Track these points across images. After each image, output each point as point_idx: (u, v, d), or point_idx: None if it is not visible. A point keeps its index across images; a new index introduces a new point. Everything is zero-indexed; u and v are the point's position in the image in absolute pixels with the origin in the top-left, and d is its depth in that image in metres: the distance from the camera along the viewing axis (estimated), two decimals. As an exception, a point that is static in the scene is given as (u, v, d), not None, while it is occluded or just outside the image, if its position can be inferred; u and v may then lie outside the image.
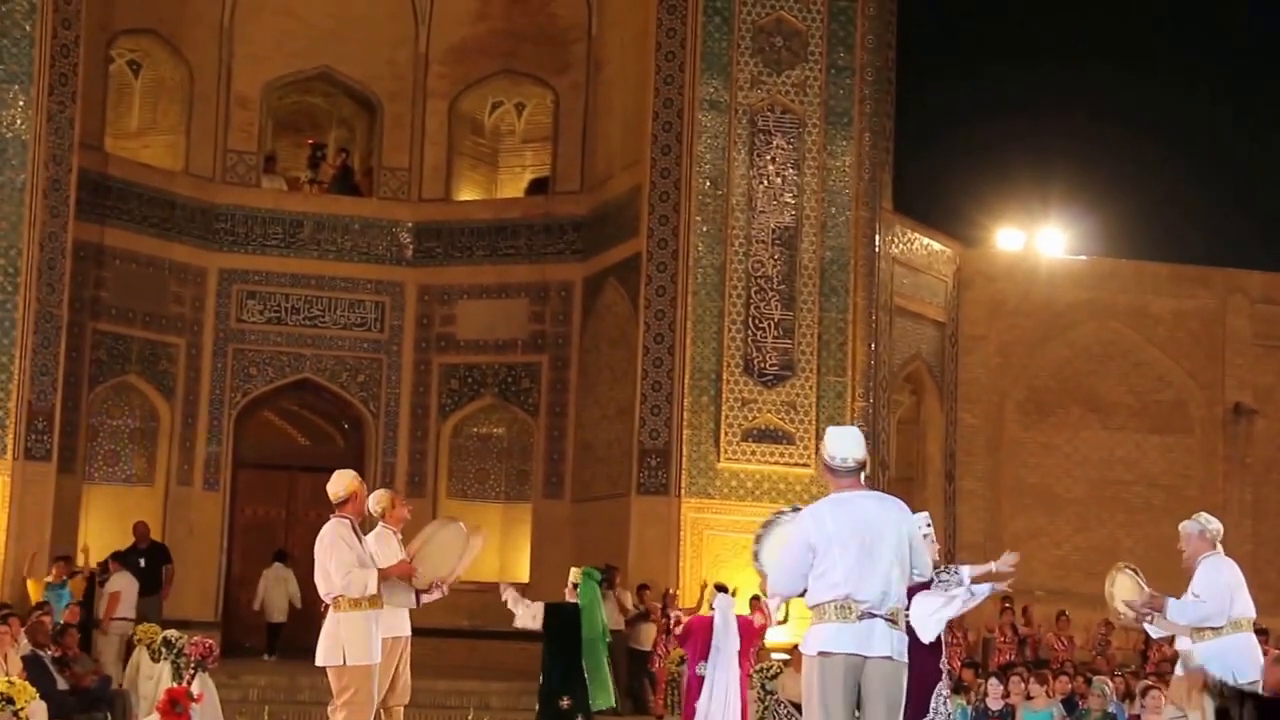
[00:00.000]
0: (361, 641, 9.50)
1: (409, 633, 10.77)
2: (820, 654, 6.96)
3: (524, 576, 21.59)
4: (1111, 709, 13.92)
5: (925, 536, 9.63)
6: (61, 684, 13.99)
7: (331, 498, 9.72)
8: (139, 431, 21.35)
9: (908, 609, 8.18)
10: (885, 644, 6.90)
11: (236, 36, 22.32)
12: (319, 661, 9.65)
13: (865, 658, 6.90)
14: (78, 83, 18.91)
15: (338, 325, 22.28)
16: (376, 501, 10.86)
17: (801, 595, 7.15)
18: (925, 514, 9.78)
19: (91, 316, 20.38)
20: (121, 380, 20.98)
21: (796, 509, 7.95)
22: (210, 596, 21.33)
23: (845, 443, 7.16)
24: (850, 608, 6.92)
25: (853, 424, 19.10)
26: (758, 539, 8.69)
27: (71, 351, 19.47)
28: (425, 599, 10.47)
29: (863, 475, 7.20)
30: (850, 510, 7.07)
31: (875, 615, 6.91)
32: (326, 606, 9.69)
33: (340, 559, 9.43)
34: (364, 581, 9.46)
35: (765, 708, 13.44)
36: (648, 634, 18.04)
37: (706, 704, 11.56)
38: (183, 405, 21.47)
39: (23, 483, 18.07)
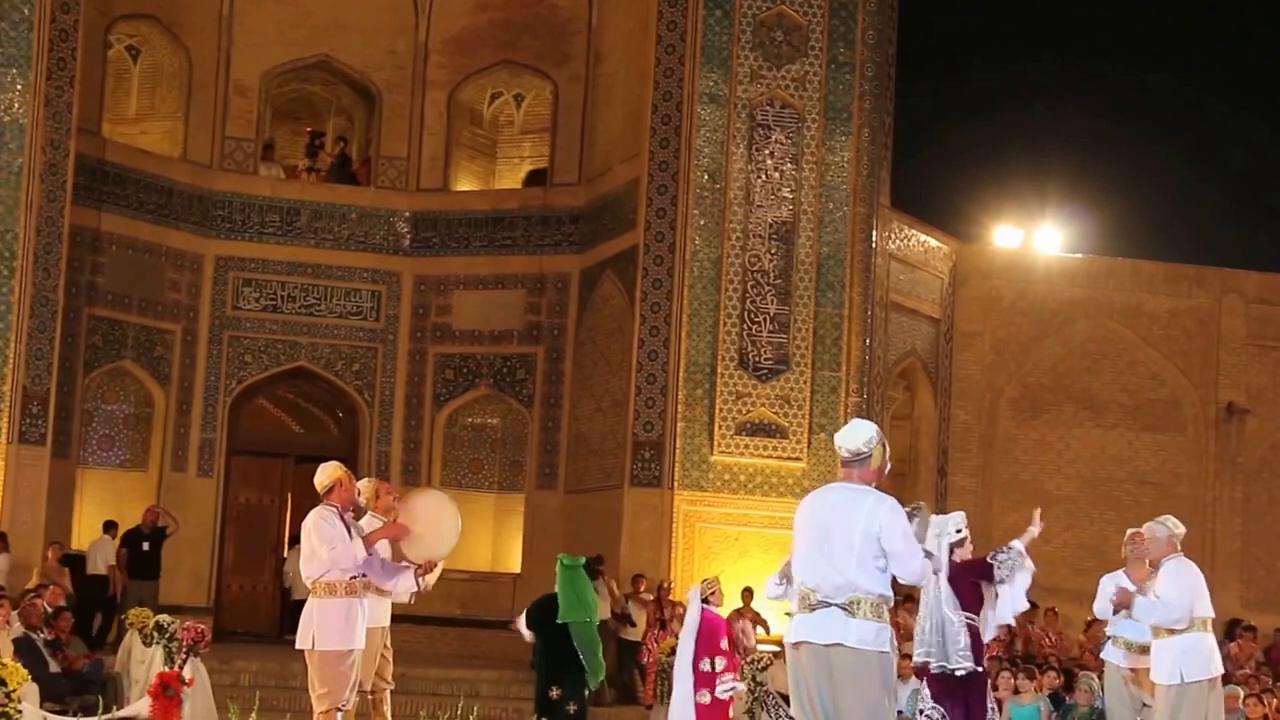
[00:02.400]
0: (336, 627, 9.55)
1: (388, 623, 10.94)
2: (791, 645, 7.19)
3: (516, 567, 21.66)
4: (1098, 704, 13.99)
5: (961, 543, 9.71)
6: (53, 667, 14.02)
7: (317, 488, 9.84)
8: (133, 417, 21.38)
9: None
10: (840, 632, 6.95)
11: (236, 24, 22.33)
12: (298, 644, 9.76)
13: (825, 646, 6.98)
14: (76, 67, 18.93)
15: (334, 314, 22.30)
16: (360, 490, 10.94)
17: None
18: (960, 514, 9.85)
19: (87, 301, 20.40)
20: (117, 365, 21.01)
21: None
22: (203, 582, 21.39)
23: (845, 433, 7.25)
24: (806, 597, 7.06)
25: (846, 419, 19.15)
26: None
27: (67, 336, 19.50)
28: (426, 581, 10.45)
29: (861, 469, 7.20)
30: (819, 500, 7.23)
31: (830, 604, 6.97)
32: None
33: (325, 534, 9.53)
34: (352, 553, 9.53)
35: (754, 699, 13.49)
36: (639, 625, 18.09)
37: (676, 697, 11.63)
38: (177, 391, 21.50)
39: (17, 466, 18.13)
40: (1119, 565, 11.49)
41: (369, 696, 11.12)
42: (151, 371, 21.33)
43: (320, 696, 9.58)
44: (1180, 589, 10.14)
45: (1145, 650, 10.89)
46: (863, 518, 7.03)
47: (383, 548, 10.09)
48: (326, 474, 9.85)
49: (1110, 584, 11.13)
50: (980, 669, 10.13)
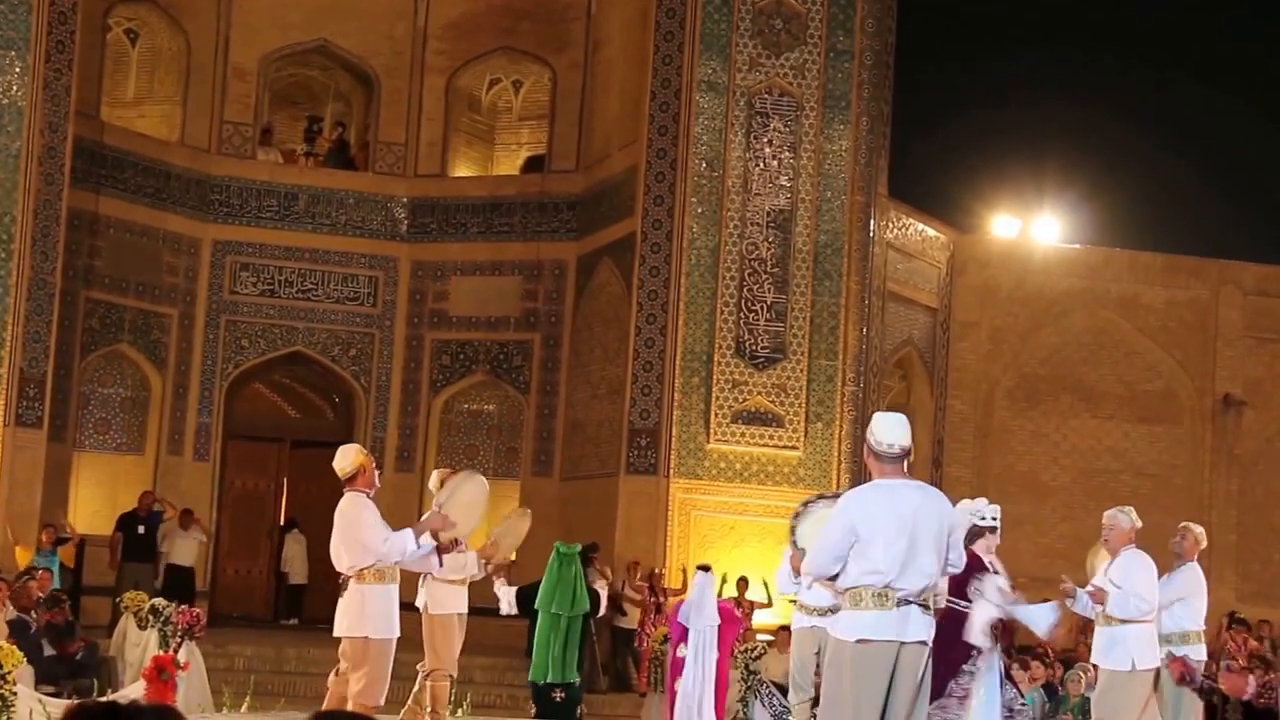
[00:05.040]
0: (385, 615, 9.48)
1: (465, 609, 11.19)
2: (860, 641, 7.08)
3: (510, 554, 21.63)
4: (1088, 694, 14.01)
5: (994, 530, 9.66)
6: (48, 650, 14.03)
7: (339, 472, 9.59)
8: (130, 400, 21.37)
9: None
10: (920, 629, 7.08)
11: (234, 8, 22.28)
12: (342, 633, 9.53)
13: (902, 643, 7.05)
14: (74, 50, 18.90)
15: (330, 299, 22.29)
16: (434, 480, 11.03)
17: (833, 579, 7.29)
18: (996, 507, 9.81)
19: (85, 285, 20.39)
20: (113, 349, 21.00)
21: (836, 495, 8.24)
22: (199, 566, 21.35)
23: (893, 429, 7.28)
24: (888, 595, 7.04)
25: (842, 408, 19.16)
26: (796, 521, 9.64)
27: (64, 319, 19.49)
28: (449, 561, 10.50)
29: (906, 464, 7.26)
30: (895, 498, 7.18)
31: (911, 602, 7.06)
32: (345, 579, 9.53)
33: (373, 525, 9.41)
34: (403, 545, 9.42)
35: (748, 688, 13.50)
36: (633, 613, 18.12)
37: (688, 684, 11.65)
38: (174, 375, 21.49)
39: (13, 449, 18.12)
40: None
41: (430, 683, 11.16)
42: (148, 355, 21.32)
43: (365, 688, 9.43)
44: (1148, 581, 10.37)
45: (1168, 640, 10.97)
46: (941, 518, 7.19)
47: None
48: (349, 459, 9.60)
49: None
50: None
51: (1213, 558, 22.67)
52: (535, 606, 11.86)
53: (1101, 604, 10.37)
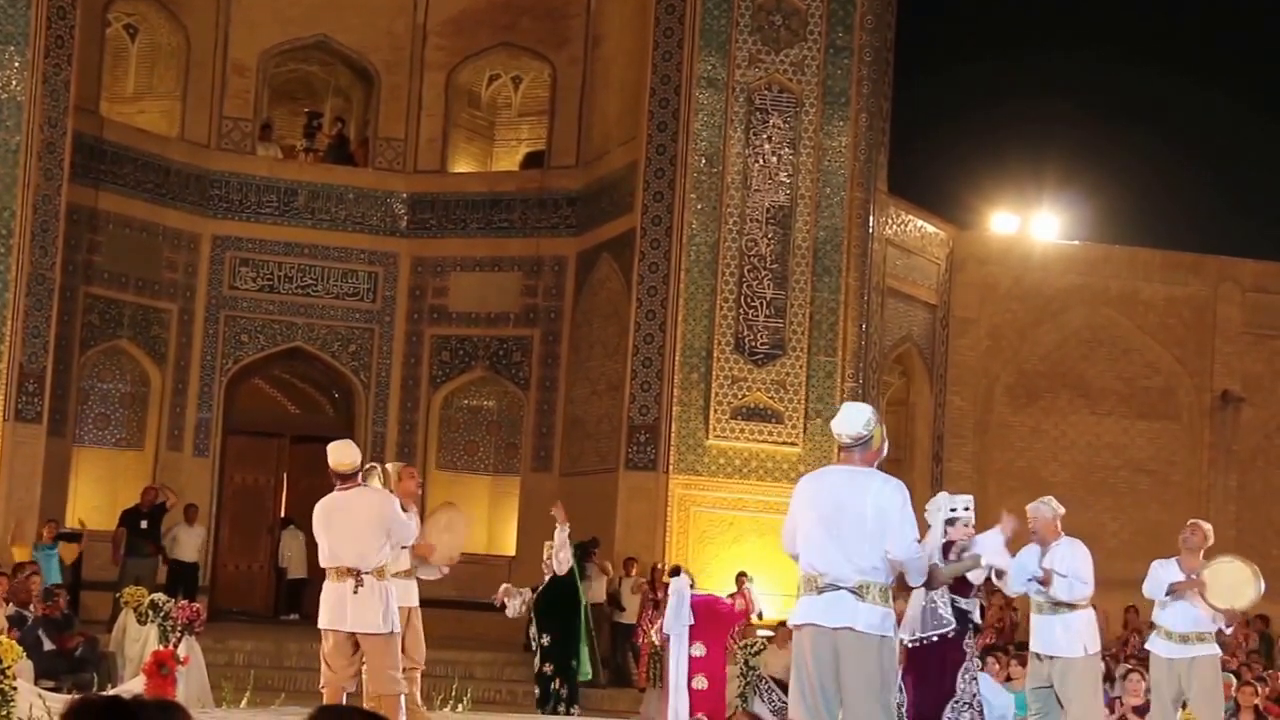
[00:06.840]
0: (397, 608, 9.69)
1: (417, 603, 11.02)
2: (796, 626, 7.21)
3: (510, 549, 21.69)
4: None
5: (960, 521, 9.80)
6: (47, 644, 14.03)
7: (347, 468, 9.54)
8: (130, 396, 21.37)
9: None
10: (849, 616, 6.97)
11: (234, 3, 22.27)
12: (369, 629, 9.46)
13: (832, 630, 6.99)
14: (74, 45, 18.89)
15: (330, 294, 22.29)
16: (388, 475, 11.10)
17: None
18: (968, 497, 9.99)
19: (84, 280, 20.38)
20: (113, 344, 21.00)
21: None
22: (200, 561, 21.36)
23: (842, 419, 7.29)
24: (813, 580, 7.08)
25: (842, 404, 19.15)
26: None
27: (64, 314, 19.48)
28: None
29: (860, 453, 7.20)
30: (820, 484, 7.28)
31: (840, 588, 6.98)
32: (359, 574, 9.45)
33: (404, 518, 9.60)
34: (413, 533, 9.74)
35: (747, 683, 13.53)
36: (632, 607, 18.13)
37: (672, 679, 11.77)
38: (174, 371, 21.49)
39: (13, 444, 18.13)
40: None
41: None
42: (148, 350, 21.32)
43: (390, 679, 9.46)
44: (1088, 567, 10.60)
45: (1185, 639, 10.97)
46: (872, 497, 7.06)
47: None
48: (357, 453, 9.70)
49: (1161, 570, 11.18)
50: (959, 631, 10.03)
51: (1212, 554, 22.74)
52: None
53: (1048, 585, 10.46)
